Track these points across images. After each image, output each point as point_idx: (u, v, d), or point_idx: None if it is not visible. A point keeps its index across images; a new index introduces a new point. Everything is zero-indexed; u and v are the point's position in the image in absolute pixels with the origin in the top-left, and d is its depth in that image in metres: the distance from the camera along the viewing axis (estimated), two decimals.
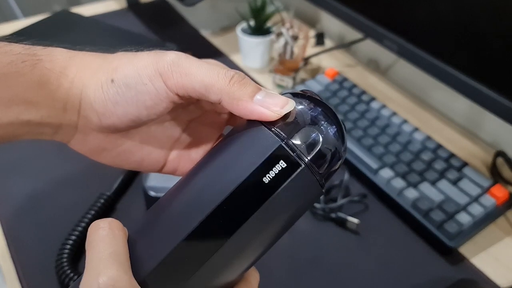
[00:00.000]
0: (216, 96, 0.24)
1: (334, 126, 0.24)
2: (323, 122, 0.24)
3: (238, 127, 0.25)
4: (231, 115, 0.30)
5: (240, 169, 0.22)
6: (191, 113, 0.29)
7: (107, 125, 0.26)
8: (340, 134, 0.25)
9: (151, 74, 0.24)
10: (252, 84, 0.24)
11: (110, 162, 0.28)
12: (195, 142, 0.30)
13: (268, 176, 0.22)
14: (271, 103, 0.23)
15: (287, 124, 0.24)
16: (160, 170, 0.30)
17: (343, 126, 0.25)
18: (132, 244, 0.23)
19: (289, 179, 0.22)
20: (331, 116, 0.25)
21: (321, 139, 0.23)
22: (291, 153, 0.22)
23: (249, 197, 0.22)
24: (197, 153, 0.30)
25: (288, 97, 0.24)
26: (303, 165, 0.22)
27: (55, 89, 0.24)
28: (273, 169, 0.22)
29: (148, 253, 0.23)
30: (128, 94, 0.25)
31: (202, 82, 0.24)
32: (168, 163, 0.29)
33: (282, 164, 0.22)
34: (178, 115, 0.29)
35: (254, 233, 0.23)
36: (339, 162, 0.25)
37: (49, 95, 0.24)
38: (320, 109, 0.24)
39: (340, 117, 0.26)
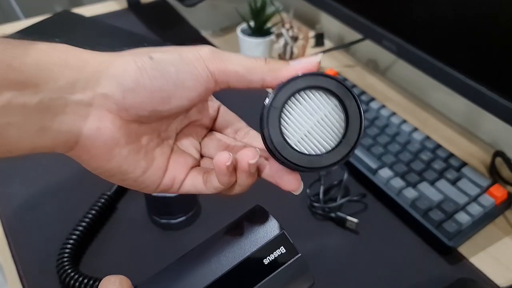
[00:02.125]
0: (258, 76, 0.26)
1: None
2: None
3: (251, 212, 0.28)
4: (209, 128, 0.31)
5: (245, 248, 0.25)
6: (180, 123, 0.30)
7: (131, 104, 0.25)
8: None
9: (193, 56, 0.25)
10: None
11: (118, 166, 0.26)
12: (181, 153, 0.30)
13: (268, 258, 0.25)
14: (306, 60, 0.26)
15: None
16: (158, 185, 0.29)
17: None
18: None
19: (286, 264, 0.25)
20: None
21: None
22: (291, 241, 0.25)
23: (248, 273, 0.25)
24: (184, 165, 0.29)
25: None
26: (300, 254, 0.25)
27: (60, 69, 0.23)
28: (274, 252, 0.25)
29: None
30: (169, 70, 0.25)
31: (244, 66, 0.26)
32: (166, 176, 0.29)
33: (281, 249, 0.25)
34: (171, 124, 0.29)
35: None
36: None
37: (50, 75, 0.23)
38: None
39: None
